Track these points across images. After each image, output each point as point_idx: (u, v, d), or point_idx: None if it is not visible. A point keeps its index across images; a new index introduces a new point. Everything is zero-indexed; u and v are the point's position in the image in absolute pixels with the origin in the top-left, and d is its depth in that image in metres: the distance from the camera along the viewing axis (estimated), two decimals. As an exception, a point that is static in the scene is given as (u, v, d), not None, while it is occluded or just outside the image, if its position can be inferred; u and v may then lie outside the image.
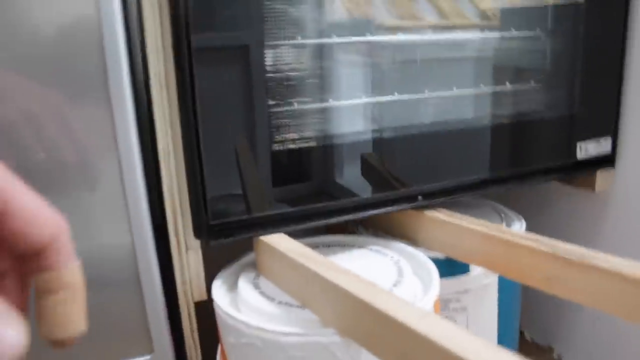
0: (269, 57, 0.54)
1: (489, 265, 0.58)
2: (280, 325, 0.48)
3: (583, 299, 0.51)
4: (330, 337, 0.46)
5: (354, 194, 0.60)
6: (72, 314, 0.23)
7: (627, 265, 0.48)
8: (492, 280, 0.65)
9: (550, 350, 0.91)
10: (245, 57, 0.53)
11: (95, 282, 0.49)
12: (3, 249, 0.23)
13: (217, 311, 0.52)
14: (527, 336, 0.94)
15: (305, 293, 0.49)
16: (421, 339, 0.36)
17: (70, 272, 0.24)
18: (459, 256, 0.60)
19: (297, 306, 0.50)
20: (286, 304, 0.51)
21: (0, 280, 0.24)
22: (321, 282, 0.46)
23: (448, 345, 0.34)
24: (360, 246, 0.63)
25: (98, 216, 0.51)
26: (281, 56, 0.55)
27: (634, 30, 0.70)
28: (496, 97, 0.66)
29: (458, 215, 0.61)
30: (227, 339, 0.51)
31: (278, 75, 0.55)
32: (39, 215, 0.23)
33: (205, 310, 0.57)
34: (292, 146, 0.56)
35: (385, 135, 0.61)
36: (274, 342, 0.47)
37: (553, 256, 0.51)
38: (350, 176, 0.60)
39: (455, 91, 0.64)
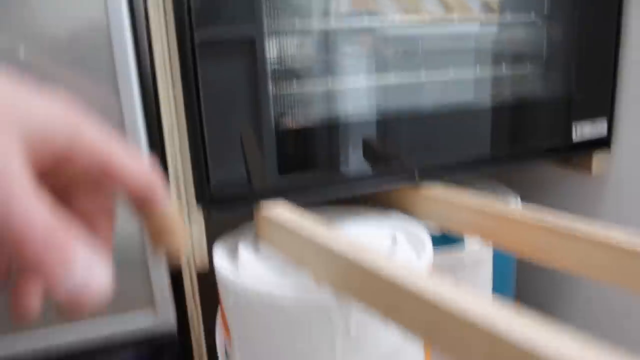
0: (272, 46, 0.56)
1: (482, 238, 0.59)
2: (277, 287, 0.50)
3: (571, 268, 0.52)
4: (324, 298, 0.48)
5: (353, 170, 0.62)
6: (179, 239, 0.29)
7: (613, 234, 0.50)
8: (487, 255, 0.67)
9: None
10: (249, 48, 0.55)
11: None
12: (101, 191, 0.28)
13: (218, 275, 0.55)
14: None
15: (300, 255, 0.51)
16: (409, 291, 0.38)
17: (169, 205, 0.28)
18: (453, 229, 0.62)
19: (294, 268, 0.52)
20: (283, 266, 0.53)
21: (94, 218, 0.28)
22: (315, 245, 0.48)
23: (435, 295, 0.36)
24: (358, 218, 0.65)
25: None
26: (284, 44, 0.57)
27: (628, 14, 0.71)
28: (493, 80, 0.68)
29: (453, 190, 0.63)
30: (227, 301, 0.53)
31: (281, 59, 0.57)
32: (134, 164, 0.26)
33: (207, 281, 0.60)
34: (295, 122, 0.59)
35: (386, 115, 0.63)
36: (270, 303, 0.49)
37: (542, 227, 0.53)
38: (352, 154, 0.62)
39: (453, 74, 0.66)
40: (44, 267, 0.21)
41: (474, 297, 0.35)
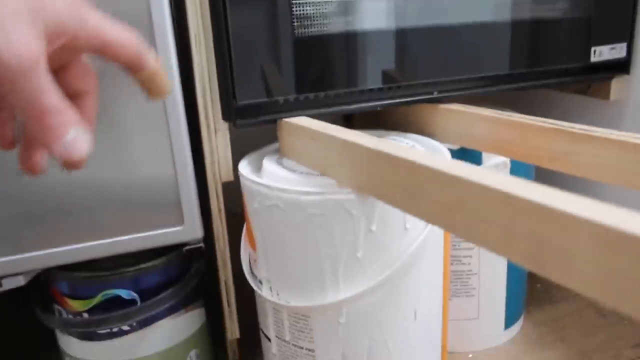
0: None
1: (499, 149, 0.61)
2: (300, 186, 0.52)
3: (589, 173, 0.53)
4: (346, 194, 0.50)
5: (371, 85, 0.63)
6: (165, 83, 0.39)
7: (631, 135, 0.50)
8: (505, 169, 0.68)
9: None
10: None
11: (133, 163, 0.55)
12: (88, 75, 0.37)
13: (243, 181, 0.57)
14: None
15: (324, 159, 0.52)
16: (432, 171, 0.39)
17: (153, 62, 0.37)
18: (471, 144, 0.63)
19: (317, 174, 0.54)
20: (307, 173, 0.55)
21: (82, 99, 0.37)
22: (339, 145, 0.49)
23: (458, 173, 0.36)
24: (379, 137, 0.66)
25: (133, 109, 0.55)
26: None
27: None
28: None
29: (470, 106, 0.64)
30: (252, 205, 0.55)
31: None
32: (125, 39, 0.35)
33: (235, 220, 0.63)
34: (314, 34, 0.59)
35: (404, 31, 0.64)
36: (295, 201, 0.51)
37: (559, 131, 0.54)
38: (370, 69, 0.63)
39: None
40: (53, 131, 0.30)
41: (496, 174, 0.36)
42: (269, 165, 0.58)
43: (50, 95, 0.30)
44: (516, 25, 0.68)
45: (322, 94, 0.61)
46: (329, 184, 0.51)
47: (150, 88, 0.37)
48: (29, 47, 0.28)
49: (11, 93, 0.29)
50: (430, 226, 0.53)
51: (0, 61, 0.27)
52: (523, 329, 0.78)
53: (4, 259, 0.54)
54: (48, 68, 0.30)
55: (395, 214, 0.51)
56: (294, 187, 0.51)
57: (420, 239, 0.52)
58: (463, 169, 0.38)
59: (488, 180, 0.35)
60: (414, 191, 0.41)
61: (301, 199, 0.51)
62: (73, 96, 0.36)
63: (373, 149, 0.45)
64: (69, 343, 0.61)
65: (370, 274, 0.51)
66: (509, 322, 0.74)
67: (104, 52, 0.34)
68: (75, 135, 0.31)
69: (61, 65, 0.35)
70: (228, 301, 0.64)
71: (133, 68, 0.36)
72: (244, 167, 0.60)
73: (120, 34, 0.34)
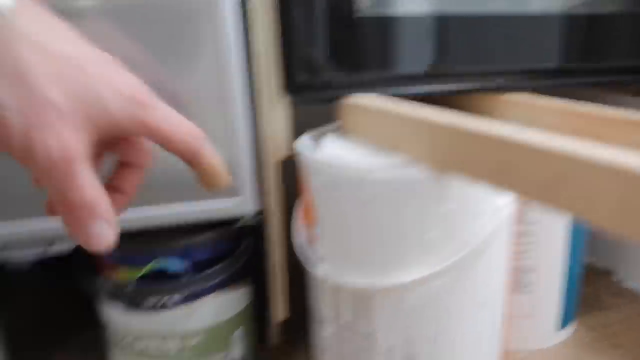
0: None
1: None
2: (368, 163, 0.50)
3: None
4: (417, 173, 0.48)
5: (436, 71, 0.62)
6: (221, 177, 0.38)
7: None
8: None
9: (608, 273, 0.91)
10: None
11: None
12: (142, 151, 0.38)
13: (303, 159, 0.55)
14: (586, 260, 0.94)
15: (394, 137, 0.50)
16: (526, 145, 0.37)
17: (213, 158, 0.37)
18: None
19: (381, 152, 0.52)
20: (370, 151, 0.53)
21: (130, 171, 0.38)
22: (413, 122, 0.48)
23: (557, 146, 0.35)
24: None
25: (195, 85, 0.53)
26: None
27: None
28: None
29: (536, 96, 0.62)
30: (314, 182, 0.54)
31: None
32: (183, 135, 0.35)
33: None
34: (380, 14, 0.58)
35: (469, 16, 0.62)
36: (363, 179, 0.49)
37: (636, 123, 0.52)
38: (435, 54, 0.61)
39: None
40: (78, 222, 0.31)
41: (601, 147, 0.35)
42: (331, 143, 0.56)
43: (82, 190, 0.30)
44: (576, 20, 0.66)
45: (383, 75, 0.60)
46: (398, 162, 0.49)
47: (205, 181, 0.38)
48: (65, 151, 0.29)
49: (46, 184, 0.30)
50: (501, 212, 0.51)
51: (36, 159, 0.29)
52: (576, 332, 0.75)
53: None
54: (91, 161, 0.31)
55: (467, 197, 0.49)
56: (363, 165, 0.50)
57: (493, 225, 0.50)
58: (562, 143, 0.36)
59: (594, 153, 0.33)
60: (506, 168, 0.39)
61: (370, 176, 0.49)
62: (122, 164, 0.38)
63: (456, 126, 0.43)
64: (113, 313, 0.60)
65: (439, 256, 0.49)
66: (563, 323, 0.72)
67: (160, 144, 0.35)
68: (99, 229, 0.31)
69: (115, 138, 0.36)
70: (278, 280, 0.62)
71: (189, 162, 0.37)
72: (303, 142, 0.58)
73: (180, 131, 0.35)
